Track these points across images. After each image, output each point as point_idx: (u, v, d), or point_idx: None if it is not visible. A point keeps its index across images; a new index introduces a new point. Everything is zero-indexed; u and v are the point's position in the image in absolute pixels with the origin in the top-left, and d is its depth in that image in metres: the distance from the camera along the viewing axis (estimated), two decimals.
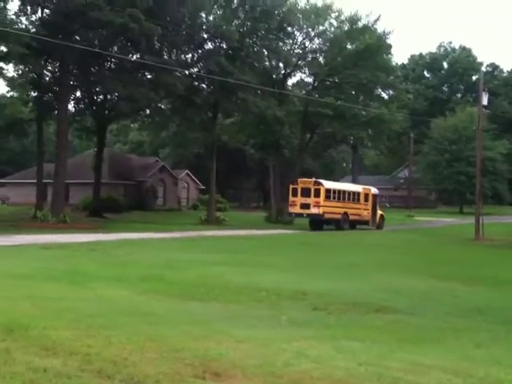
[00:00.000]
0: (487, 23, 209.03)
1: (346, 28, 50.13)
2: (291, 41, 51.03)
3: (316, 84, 52.84)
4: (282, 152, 55.42)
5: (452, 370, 6.98)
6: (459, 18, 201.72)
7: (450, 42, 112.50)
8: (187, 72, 45.32)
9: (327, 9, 49.77)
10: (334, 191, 43.97)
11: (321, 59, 52.29)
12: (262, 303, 12.09)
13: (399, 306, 12.41)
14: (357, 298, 13.01)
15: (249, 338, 8.36)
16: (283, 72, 52.39)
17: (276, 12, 46.10)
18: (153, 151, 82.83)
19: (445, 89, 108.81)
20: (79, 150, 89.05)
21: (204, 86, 49.15)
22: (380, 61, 51.00)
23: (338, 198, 43.83)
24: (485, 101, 41.64)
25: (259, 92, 46.79)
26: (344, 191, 45.19)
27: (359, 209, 45.64)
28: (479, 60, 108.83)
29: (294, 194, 43.34)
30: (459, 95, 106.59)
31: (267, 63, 51.59)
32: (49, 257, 19.66)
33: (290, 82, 58.11)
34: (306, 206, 42.31)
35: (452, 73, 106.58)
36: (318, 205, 41.96)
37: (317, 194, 42.27)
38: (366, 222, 46.17)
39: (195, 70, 46.90)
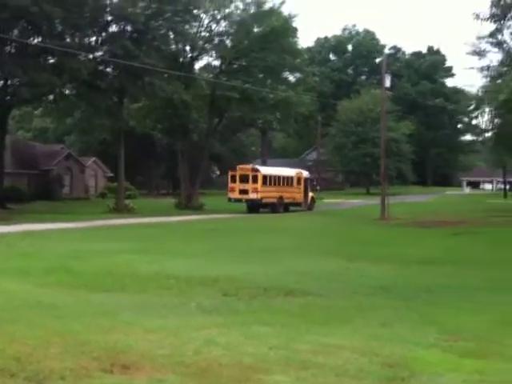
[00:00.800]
0: (390, 7, 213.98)
1: (252, 11, 50.09)
2: (198, 23, 50.53)
3: (223, 67, 52.59)
4: (190, 136, 55.03)
5: (359, 349, 7.11)
6: (363, 2, 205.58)
7: (354, 25, 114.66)
8: (91, 56, 44.21)
9: None
10: (270, 177, 46.44)
11: (228, 42, 52.05)
12: (171, 291, 11.96)
13: (308, 289, 12.55)
14: (267, 283, 13.07)
15: (158, 327, 8.27)
16: (190, 55, 51.90)
17: None
18: (58, 138, 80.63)
19: (350, 71, 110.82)
20: None
21: (109, 70, 48.06)
22: (286, 44, 51.22)
23: (274, 183, 46.32)
24: (388, 83, 42.60)
25: (166, 76, 46.18)
26: (279, 176, 47.64)
27: (293, 192, 48.16)
28: (382, 43, 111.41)
29: (233, 181, 45.53)
30: (364, 77, 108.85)
31: (174, 46, 50.93)
32: None
33: (197, 65, 57.58)
34: (244, 192, 44.46)
35: (356, 55, 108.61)
36: (256, 190, 44.24)
37: (254, 180, 44.52)
38: (299, 204, 48.67)
39: (99, 53, 45.80)
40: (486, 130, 62.96)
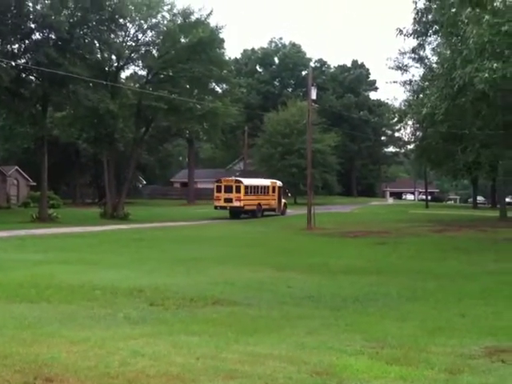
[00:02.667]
0: (315, 21, 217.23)
1: (179, 21, 49.93)
2: (123, 33, 50.01)
3: (150, 77, 52.20)
4: (116, 146, 54.37)
5: (287, 358, 7.12)
6: (289, 15, 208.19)
7: (281, 38, 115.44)
8: (13, 63, 43.15)
9: (159, 1, 49.28)
10: (251, 187, 52.95)
11: (154, 52, 51.73)
12: (97, 302, 11.75)
13: (236, 298, 12.53)
14: (194, 292, 12.99)
15: (83, 339, 8.09)
16: (116, 64, 51.29)
17: (107, 3, 44.99)
18: None
19: (276, 83, 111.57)
20: None
21: (32, 77, 47.07)
22: (213, 55, 51.23)
23: (254, 192, 53.10)
24: (314, 95, 43.20)
25: (91, 84, 45.51)
26: (257, 186, 54.31)
27: (269, 199, 55.25)
28: (308, 56, 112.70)
29: (218, 191, 51.92)
30: (290, 89, 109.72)
31: (99, 55, 50.27)
32: None
33: (124, 74, 57.05)
34: (229, 200, 50.65)
35: (283, 68, 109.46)
36: (239, 199, 50.58)
37: (238, 190, 50.95)
38: (273, 210, 55.31)
39: (22, 61, 44.77)
40: (409, 143, 64.72)
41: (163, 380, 6.09)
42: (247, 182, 54.07)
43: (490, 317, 11.25)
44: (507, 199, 61.76)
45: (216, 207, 52.27)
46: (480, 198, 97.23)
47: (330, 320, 10.55)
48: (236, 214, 50.94)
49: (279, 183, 58.36)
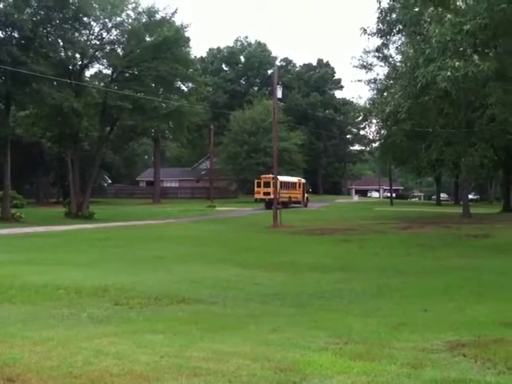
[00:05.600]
0: (280, 20, 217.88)
1: (144, 20, 49.61)
2: (88, 31, 49.56)
3: (115, 76, 51.80)
4: (80, 145, 53.90)
5: (251, 355, 7.13)
6: (254, 14, 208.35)
7: (246, 37, 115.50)
8: None
9: (124, 0, 48.96)
10: (284, 183, 61.74)
11: (119, 51, 51.34)
12: (60, 302, 11.63)
13: (201, 297, 12.52)
14: (159, 291, 12.95)
15: (46, 339, 8.00)
16: (80, 63, 50.81)
17: (71, 1, 44.55)
18: None
19: (242, 82, 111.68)
20: None
21: None
22: (178, 54, 51.02)
23: (286, 187, 62.80)
24: (279, 94, 43.28)
25: (55, 83, 45.02)
26: (289, 182, 64.98)
27: (296, 194, 66.26)
28: (273, 55, 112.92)
29: (258, 186, 62.80)
30: (256, 88, 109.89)
31: (63, 54, 49.73)
32: None
33: (88, 73, 56.67)
34: (267, 194, 58.88)
35: (249, 66, 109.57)
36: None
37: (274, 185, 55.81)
38: (299, 202, 65.89)
39: None
40: (373, 141, 65.28)
41: (127, 379, 6.07)
42: (282, 178, 59.85)
43: (453, 312, 11.41)
44: (470, 196, 62.56)
45: (256, 199, 63.63)
46: (444, 195, 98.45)
47: (295, 317, 10.59)
48: (269, 205, 54.83)
49: (303, 180, 69.58)
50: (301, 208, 63.16)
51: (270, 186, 58.49)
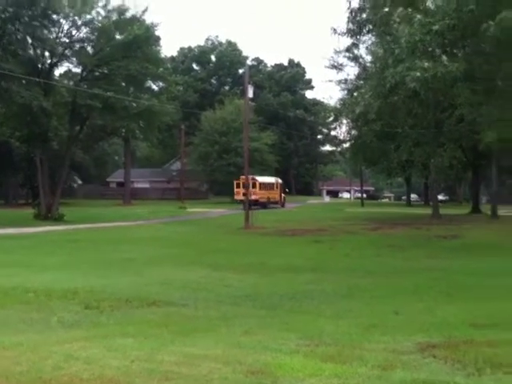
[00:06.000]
0: (251, 20, 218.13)
1: (114, 18, 49.24)
2: (57, 29, 49.05)
3: (84, 74, 51.32)
4: (50, 145, 53.30)
5: (223, 358, 7.11)
6: (225, 13, 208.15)
7: (217, 36, 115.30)
8: None
9: None
10: (263, 183, 65.87)
11: (89, 49, 50.87)
12: (30, 305, 11.51)
13: (172, 299, 12.47)
14: (130, 294, 12.87)
15: (15, 343, 7.91)
16: (49, 61, 50.26)
17: None
18: None
19: (213, 81, 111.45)
20: None
21: None
22: (149, 52, 50.73)
23: (265, 188, 66.07)
24: (250, 94, 43.28)
25: (24, 82, 44.50)
26: (267, 183, 67.53)
27: (274, 194, 68.31)
28: (245, 54, 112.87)
29: (238, 187, 63.01)
30: (227, 88, 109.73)
31: (32, 52, 49.19)
32: None
33: (58, 72, 55.92)
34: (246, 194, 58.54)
35: (220, 66, 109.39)
36: (255, 193, 61.00)
37: (254, 186, 61.00)
38: (277, 202, 67.60)
39: None
40: (344, 141, 65.60)
41: (97, 383, 6.02)
42: (261, 179, 66.00)
43: (423, 313, 11.49)
44: (439, 197, 63.08)
45: (236, 200, 64.15)
46: (413, 196, 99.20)
47: (266, 319, 10.60)
48: (251, 205, 57.35)
49: (280, 181, 71.66)
50: (278, 208, 64.93)
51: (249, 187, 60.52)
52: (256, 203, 60.19)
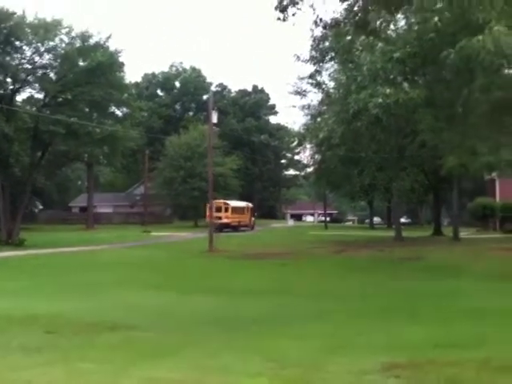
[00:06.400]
0: (215, 46, 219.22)
1: (78, 44, 49.10)
2: (19, 55, 48.78)
3: (47, 100, 51.01)
4: (11, 171, 52.70)
5: (186, 381, 7.05)
6: (189, 40, 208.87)
7: (181, 62, 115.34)
8: None
9: (57, 24, 48.32)
10: (234, 208, 68.19)
11: (52, 75, 50.61)
12: None
13: (135, 323, 12.33)
14: (91, 318, 12.71)
15: None
16: (11, 87, 49.91)
17: (2, 25, 43.85)
18: None
19: (178, 107, 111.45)
20: None
21: None
22: (113, 78, 50.64)
23: (236, 212, 68.37)
24: (215, 119, 43.38)
25: None
26: (238, 207, 70.19)
27: (245, 218, 70.63)
28: (209, 80, 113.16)
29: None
30: (191, 113, 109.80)
31: None
32: None
33: (20, 97, 55.47)
34: (219, 218, 61.47)
35: (184, 92, 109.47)
36: (227, 217, 65.14)
37: (226, 210, 65.72)
38: (247, 225, 69.43)
39: None
40: (308, 166, 66.01)
41: None
42: (232, 204, 69.07)
43: (387, 334, 11.53)
44: (402, 219, 63.65)
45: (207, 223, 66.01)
46: (377, 219, 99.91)
47: (231, 342, 10.54)
48: (221, 228, 60.13)
49: (250, 205, 74.53)
50: (248, 231, 67.05)
51: (221, 211, 64.11)
52: (227, 226, 63.59)
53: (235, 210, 68.48)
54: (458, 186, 48.08)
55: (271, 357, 8.88)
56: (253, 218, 73.67)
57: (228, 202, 68.51)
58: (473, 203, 59.67)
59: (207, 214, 61.32)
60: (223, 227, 61.97)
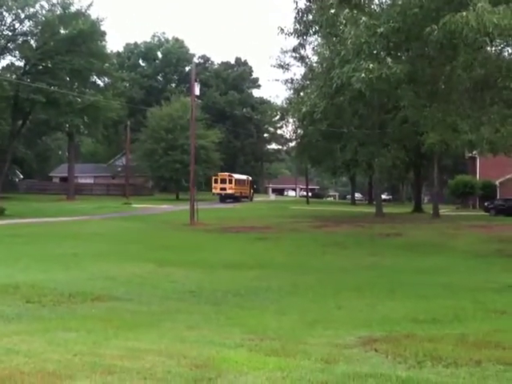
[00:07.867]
0: (199, 17, 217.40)
1: (59, 12, 48.52)
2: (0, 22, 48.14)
3: (28, 68, 50.54)
4: None
5: (166, 352, 7.08)
6: (172, 10, 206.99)
7: (164, 33, 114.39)
8: None
9: None
10: (237, 180, 74.01)
11: (32, 43, 50.08)
12: None
13: (116, 294, 12.37)
14: (73, 288, 12.71)
15: None
16: None
17: None
18: None
19: (160, 78, 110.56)
20: None
21: None
22: (94, 47, 50.26)
23: (239, 184, 74.02)
24: (197, 91, 43.08)
25: None
26: (240, 179, 75.77)
27: (245, 189, 76.74)
28: (191, 52, 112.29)
29: (216, 182, 71.86)
30: (174, 85, 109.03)
31: None
32: None
33: (0, 65, 54.94)
34: (223, 189, 70.34)
35: (166, 63, 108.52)
36: (231, 188, 70.90)
37: (230, 182, 71.48)
38: (247, 197, 75.80)
39: None
40: (290, 140, 66.04)
41: (38, 377, 5.91)
42: (236, 176, 74.81)
43: (365, 309, 11.65)
44: (383, 196, 63.98)
45: (214, 194, 72.06)
46: (358, 195, 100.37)
47: (211, 314, 10.60)
48: (224, 198, 69.02)
49: (250, 178, 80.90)
50: (247, 201, 73.09)
51: (225, 183, 71.37)
52: (231, 196, 70.39)
53: (238, 182, 74.35)
54: (438, 163, 48.36)
55: (251, 329, 8.95)
56: (252, 190, 79.79)
57: (232, 174, 74.70)
58: (453, 181, 60.13)
59: (213, 185, 71.74)
60: (227, 197, 69.49)
